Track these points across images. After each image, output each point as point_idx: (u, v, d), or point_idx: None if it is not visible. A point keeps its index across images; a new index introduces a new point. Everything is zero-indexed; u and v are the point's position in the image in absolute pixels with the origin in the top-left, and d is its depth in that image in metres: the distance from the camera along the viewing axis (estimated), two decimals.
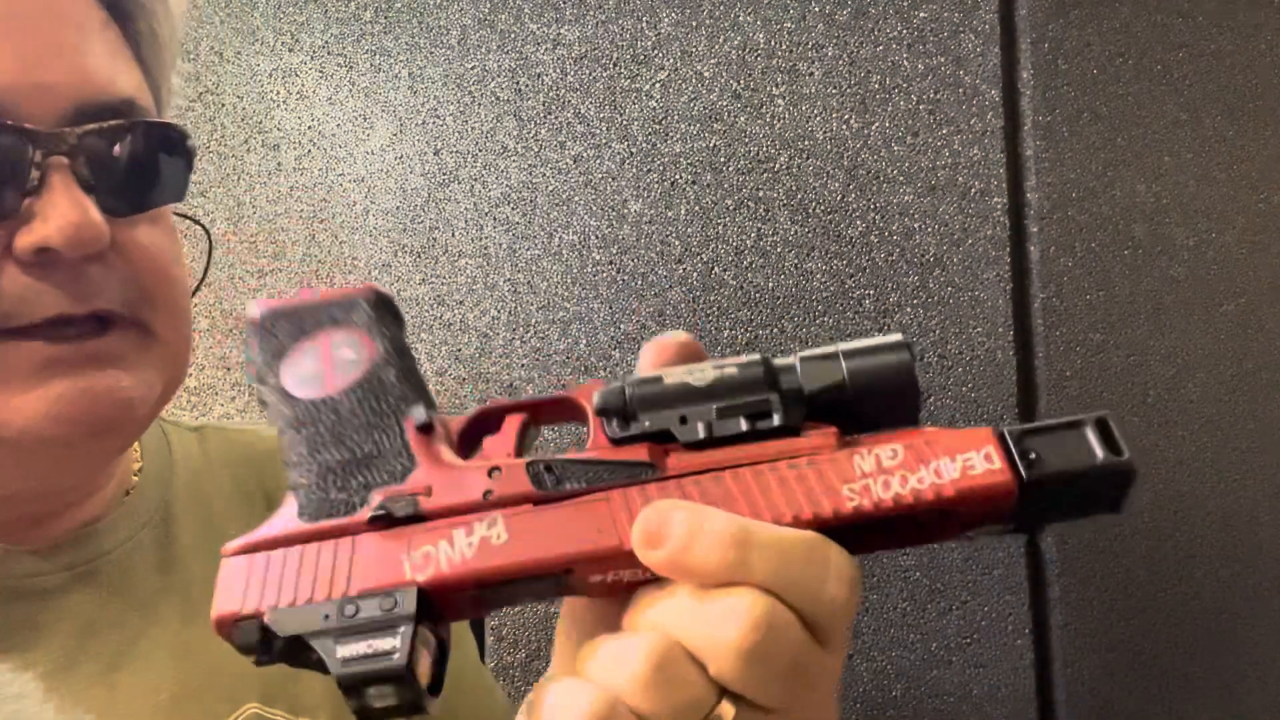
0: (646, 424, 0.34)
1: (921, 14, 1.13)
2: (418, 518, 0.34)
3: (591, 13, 1.21)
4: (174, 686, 0.53)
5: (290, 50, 1.29)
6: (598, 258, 1.19)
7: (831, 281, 1.13)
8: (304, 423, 0.37)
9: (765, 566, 0.31)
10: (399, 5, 1.27)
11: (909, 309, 1.11)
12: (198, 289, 0.57)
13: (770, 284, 1.15)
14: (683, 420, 0.34)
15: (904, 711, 1.08)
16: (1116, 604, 1.06)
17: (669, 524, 0.32)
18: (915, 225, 1.12)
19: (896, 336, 0.36)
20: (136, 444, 0.61)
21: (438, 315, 1.23)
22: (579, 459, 0.34)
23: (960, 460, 0.33)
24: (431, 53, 1.25)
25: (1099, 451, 0.33)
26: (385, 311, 0.40)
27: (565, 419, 0.37)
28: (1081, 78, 1.10)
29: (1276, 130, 1.07)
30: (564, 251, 1.20)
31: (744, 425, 0.34)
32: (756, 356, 0.35)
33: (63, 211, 0.46)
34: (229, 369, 1.28)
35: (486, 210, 1.23)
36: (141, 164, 0.50)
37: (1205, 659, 1.04)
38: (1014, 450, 0.33)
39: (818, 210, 1.14)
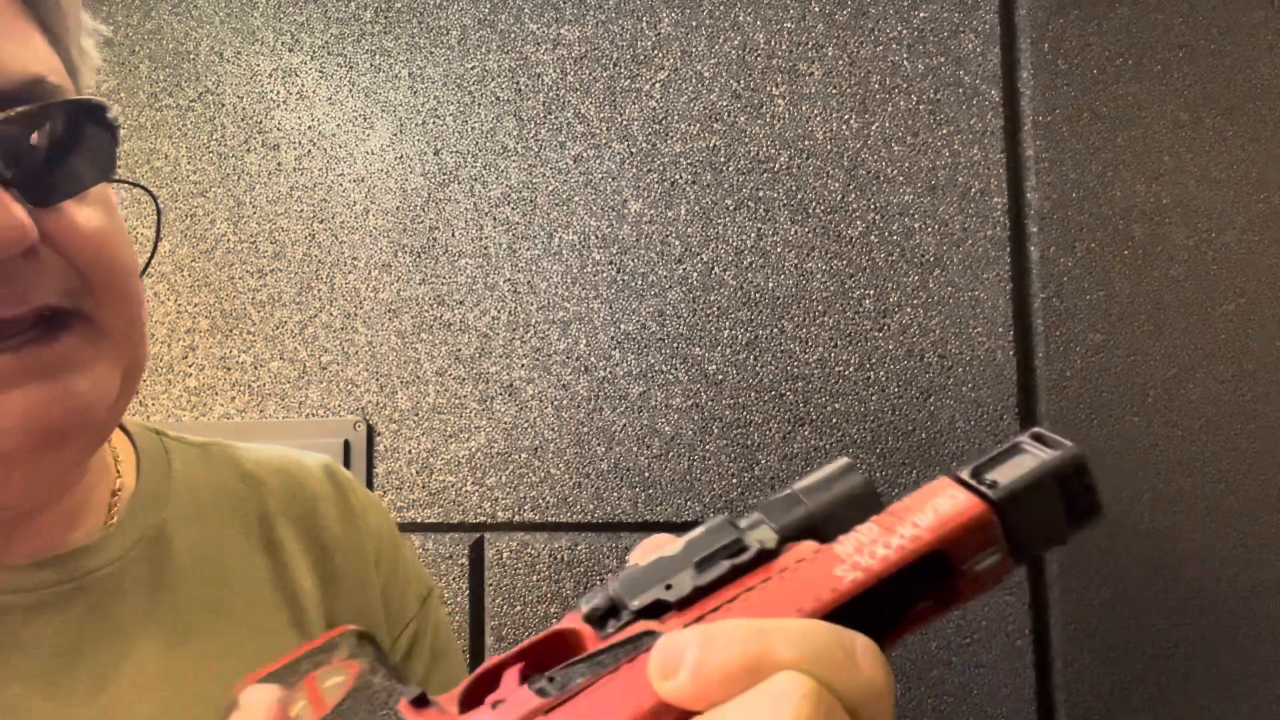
0: (635, 605, 0.35)
1: (921, 14, 1.13)
2: None
3: (591, 13, 1.21)
4: (158, 712, 0.52)
5: (290, 50, 1.29)
6: (598, 258, 1.19)
7: (831, 281, 1.13)
8: None
9: (793, 650, 0.29)
10: (399, 5, 1.27)
11: (909, 309, 1.11)
12: (149, 263, 0.54)
13: (770, 284, 1.15)
14: (668, 586, 0.35)
15: (904, 712, 1.08)
16: (1116, 604, 1.06)
17: (680, 646, 0.30)
18: (915, 225, 1.12)
19: (843, 461, 0.38)
20: (118, 455, 0.59)
21: (438, 315, 1.23)
22: (578, 659, 0.34)
23: (929, 508, 0.35)
24: (431, 53, 1.25)
25: (1044, 453, 0.35)
26: (367, 641, 0.40)
27: (564, 653, 0.36)
28: (1081, 78, 1.10)
29: (1276, 130, 1.07)
30: (564, 251, 1.20)
31: (726, 566, 0.35)
32: (719, 516, 0.37)
33: None
34: (229, 369, 1.28)
35: (486, 210, 1.23)
36: (62, 147, 0.47)
37: (1205, 659, 1.04)
38: (972, 482, 0.35)
39: (818, 210, 1.14)
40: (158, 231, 0.66)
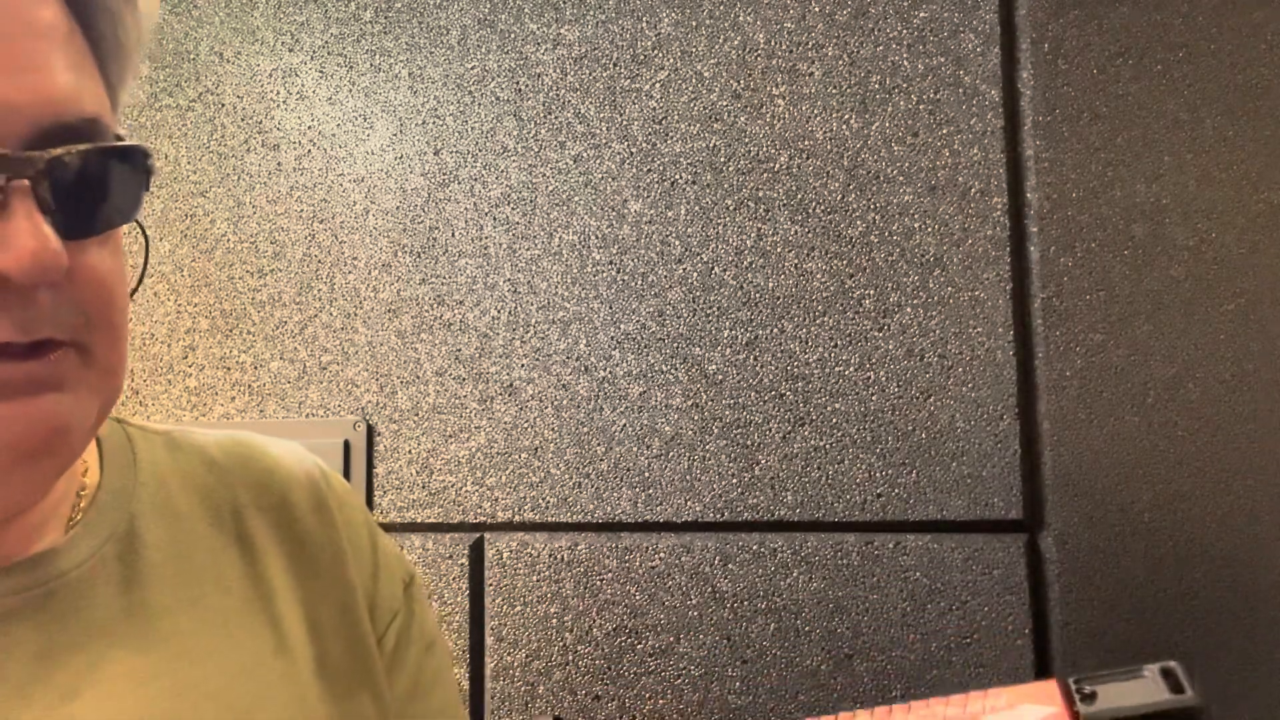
0: None
1: (921, 14, 1.13)
2: None
3: (591, 13, 1.21)
4: (136, 715, 0.51)
5: (290, 50, 1.29)
6: (598, 258, 1.19)
7: (831, 281, 1.13)
8: None
9: None
10: (399, 5, 1.27)
11: (909, 309, 1.11)
12: (134, 293, 0.55)
13: (770, 284, 1.15)
14: None
15: None
16: (1116, 604, 1.06)
17: None
18: (915, 225, 1.12)
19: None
20: (85, 460, 0.58)
21: (438, 315, 1.23)
22: None
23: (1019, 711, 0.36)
24: (431, 53, 1.25)
25: (1163, 692, 0.34)
26: None
27: None
28: (1081, 78, 1.10)
29: (1276, 130, 1.07)
30: (564, 251, 1.20)
31: None
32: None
33: (23, 240, 0.44)
34: (229, 369, 1.28)
35: (486, 210, 1.23)
36: (102, 187, 0.49)
37: (1205, 659, 1.04)
38: (1072, 689, 0.35)
39: (818, 210, 1.14)
40: (144, 267, 0.66)
